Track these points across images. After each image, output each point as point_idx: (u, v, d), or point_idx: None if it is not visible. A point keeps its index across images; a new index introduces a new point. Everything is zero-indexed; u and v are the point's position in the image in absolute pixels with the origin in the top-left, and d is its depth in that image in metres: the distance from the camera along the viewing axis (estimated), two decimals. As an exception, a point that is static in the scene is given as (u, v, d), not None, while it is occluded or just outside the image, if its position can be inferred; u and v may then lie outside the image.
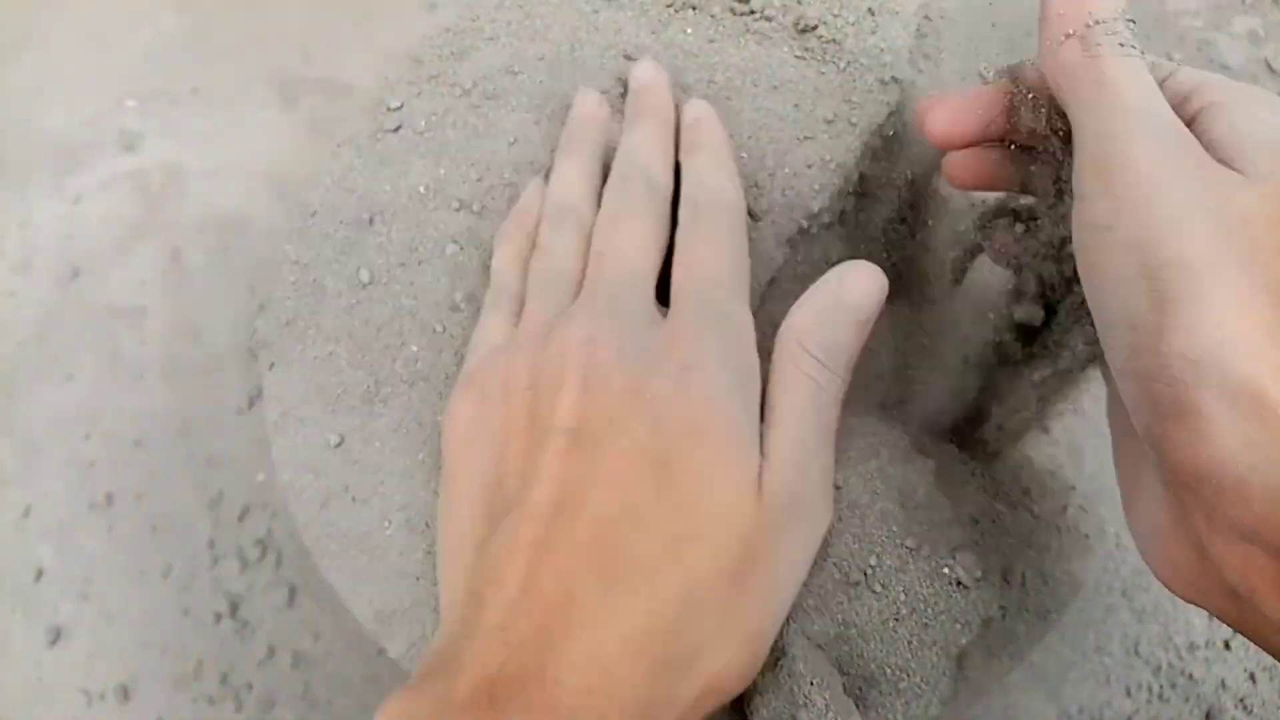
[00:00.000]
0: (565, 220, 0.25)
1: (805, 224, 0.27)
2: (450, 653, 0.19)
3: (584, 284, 0.23)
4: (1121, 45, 0.19)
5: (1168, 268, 0.17)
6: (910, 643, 0.23)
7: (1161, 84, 0.20)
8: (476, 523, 0.21)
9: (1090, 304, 0.19)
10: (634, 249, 0.23)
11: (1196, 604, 0.18)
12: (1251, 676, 0.33)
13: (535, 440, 0.20)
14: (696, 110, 0.26)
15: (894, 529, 0.23)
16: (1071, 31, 0.19)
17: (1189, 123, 0.19)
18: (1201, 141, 0.19)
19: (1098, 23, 0.19)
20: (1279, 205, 0.17)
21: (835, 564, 0.23)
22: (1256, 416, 0.15)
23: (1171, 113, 0.19)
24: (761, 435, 0.21)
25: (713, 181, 0.24)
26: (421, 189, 0.28)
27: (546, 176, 0.27)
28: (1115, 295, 0.18)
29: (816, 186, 0.26)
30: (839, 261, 0.29)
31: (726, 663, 0.19)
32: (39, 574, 0.38)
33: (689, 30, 0.28)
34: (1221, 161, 0.18)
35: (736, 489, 0.19)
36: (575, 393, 0.20)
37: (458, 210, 0.28)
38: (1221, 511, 0.15)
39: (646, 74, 0.26)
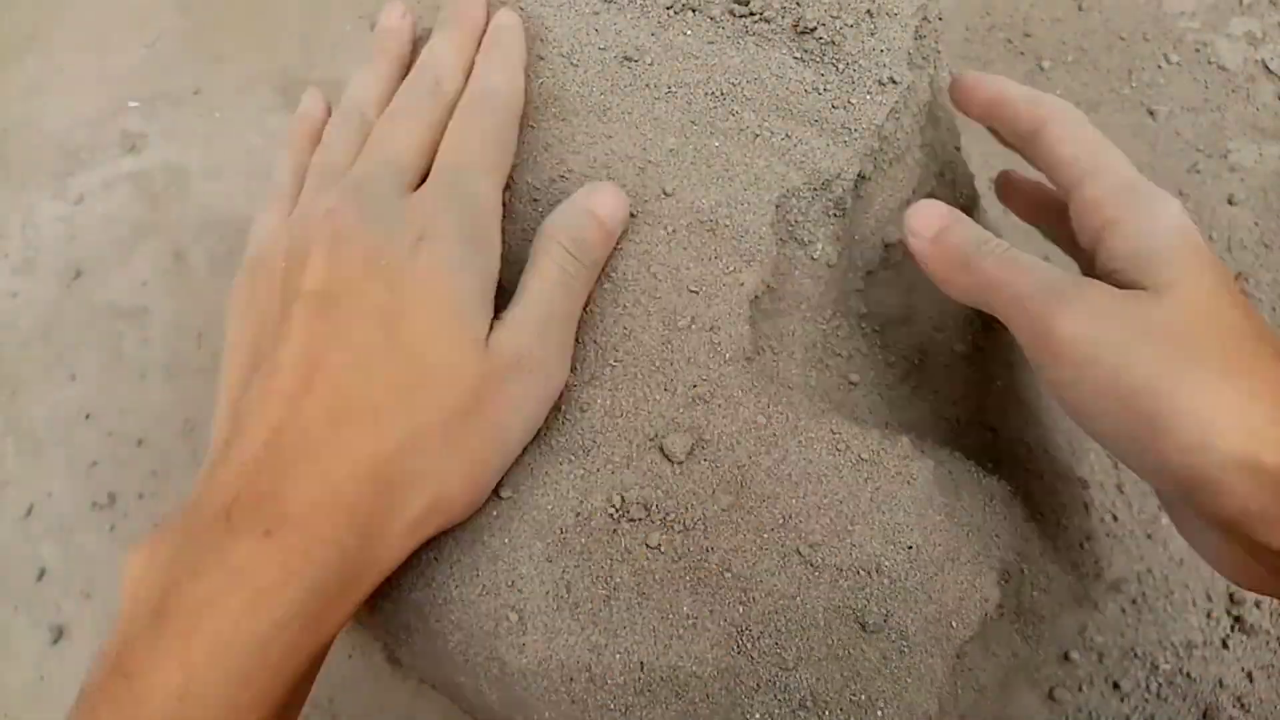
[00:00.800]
0: (350, 120, 0.27)
1: (798, 221, 0.27)
2: (194, 494, 0.21)
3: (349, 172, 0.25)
4: (986, 246, 0.24)
5: (1139, 395, 0.21)
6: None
7: (1070, 199, 0.25)
8: (236, 384, 0.24)
9: (1087, 433, 0.23)
10: (400, 143, 0.25)
11: (1260, 592, 0.23)
12: (1249, 675, 0.34)
13: (286, 305, 0.23)
14: (502, 19, 0.28)
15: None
16: (952, 260, 0.24)
17: (1098, 238, 0.24)
18: (1108, 262, 0.23)
19: (963, 244, 0.24)
20: (1185, 309, 0.22)
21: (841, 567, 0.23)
22: (1254, 476, 0.20)
23: (1060, 274, 0.23)
24: (512, 301, 0.24)
25: (494, 77, 0.26)
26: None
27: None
28: (1106, 426, 0.22)
29: (814, 188, 0.27)
30: (831, 264, 0.29)
31: (448, 487, 0.22)
32: (41, 573, 0.38)
33: (688, 32, 0.28)
34: (1131, 281, 0.23)
35: (461, 346, 0.22)
36: (319, 260, 0.23)
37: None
38: (1257, 541, 0.20)
39: None
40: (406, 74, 0.28)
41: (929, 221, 0.25)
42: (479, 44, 0.28)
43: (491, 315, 0.23)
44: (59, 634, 0.37)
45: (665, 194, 0.26)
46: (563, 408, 0.25)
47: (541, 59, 0.29)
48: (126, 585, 0.20)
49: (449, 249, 0.23)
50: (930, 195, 0.31)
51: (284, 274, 0.24)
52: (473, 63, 0.27)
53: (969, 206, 0.32)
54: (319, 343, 0.22)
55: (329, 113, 0.29)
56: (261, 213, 0.27)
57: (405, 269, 0.22)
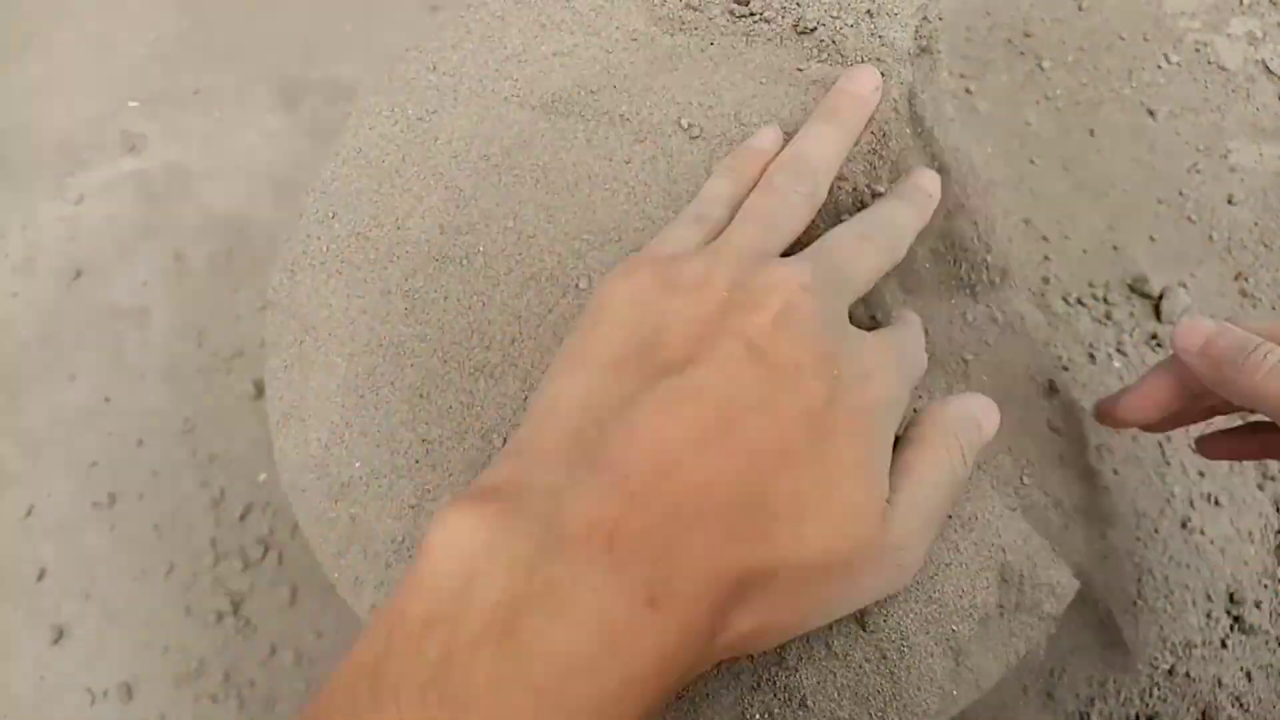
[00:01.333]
0: (803, 177, 0.25)
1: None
2: (544, 485, 0.18)
3: (816, 246, 0.24)
4: (1256, 353, 0.24)
5: None
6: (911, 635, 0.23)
7: None
8: (608, 372, 0.21)
9: None
10: (867, 268, 0.24)
11: None
12: (1248, 675, 0.34)
13: (714, 332, 0.20)
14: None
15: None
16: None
17: None
18: None
19: (1229, 351, 0.24)
20: None
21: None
22: None
23: None
24: (892, 481, 0.22)
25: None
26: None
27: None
28: None
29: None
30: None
31: (774, 627, 0.20)
32: (42, 573, 0.38)
33: (688, 33, 0.28)
34: None
35: (870, 499, 0.20)
36: (772, 318, 0.20)
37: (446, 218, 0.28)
38: None
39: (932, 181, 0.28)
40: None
41: (1193, 337, 0.25)
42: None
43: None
44: (59, 634, 0.37)
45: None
46: None
47: (554, 54, 0.29)
48: (450, 557, 0.17)
49: (889, 404, 0.22)
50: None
51: (724, 307, 0.21)
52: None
53: (965, 207, 0.32)
54: (741, 393, 0.19)
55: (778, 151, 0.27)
56: (681, 225, 0.25)
57: (849, 392, 0.20)
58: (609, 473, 0.18)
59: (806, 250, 0.24)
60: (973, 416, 0.24)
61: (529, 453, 0.20)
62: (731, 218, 0.25)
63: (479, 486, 0.19)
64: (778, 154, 0.26)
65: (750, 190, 0.26)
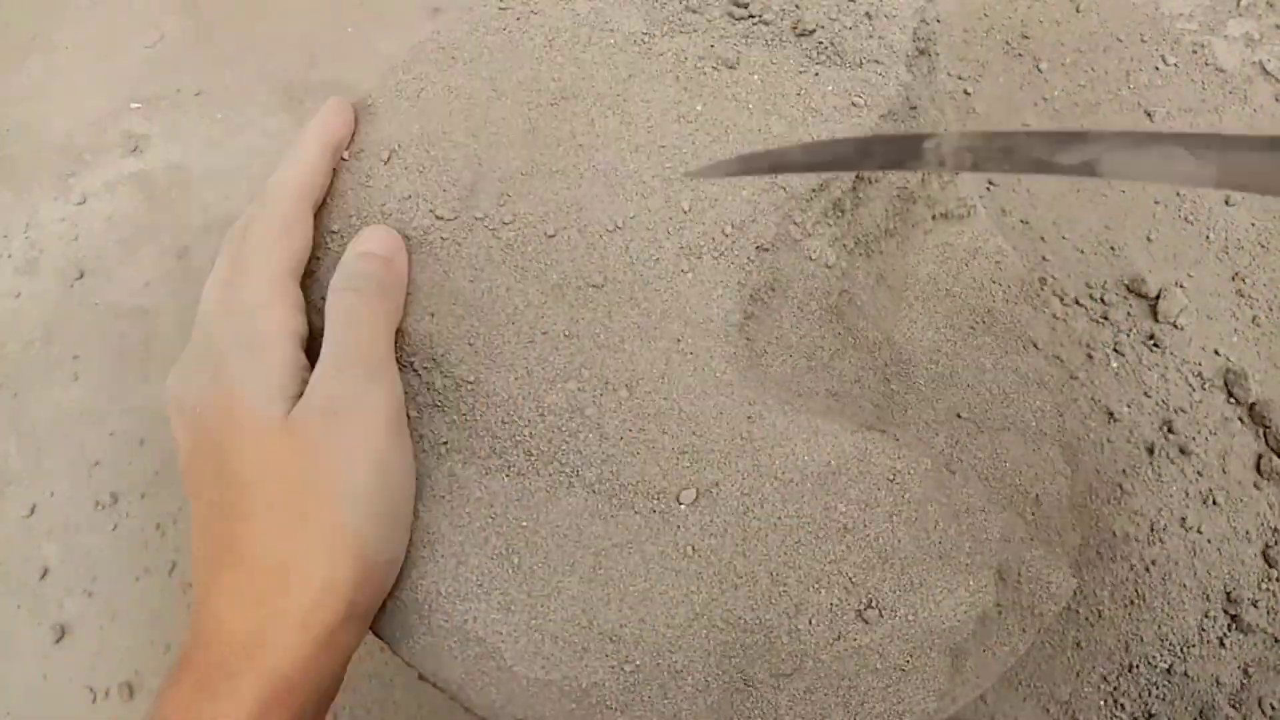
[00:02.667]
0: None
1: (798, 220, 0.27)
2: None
3: None
4: None
5: None
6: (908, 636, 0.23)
7: None
8: None
9: None
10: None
11: None
12: (1245, 671, 0.34)
13: None
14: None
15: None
16: None
17: None
18: None
19: None
20: None
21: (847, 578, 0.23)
22: None
23: None
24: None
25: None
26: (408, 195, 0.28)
27: None
28: None
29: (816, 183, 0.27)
30: (830, 266, 0.29)
31: (327, 564, 0.22)
32: (44, 572, 0.38)
33: (688, 34, 0.29)
34: None
35: (257, 435, 0.23)
36: None
37: (438, 220, 0.28)
38: None
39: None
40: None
41: None
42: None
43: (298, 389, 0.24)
44: (61, 632, 0.37)
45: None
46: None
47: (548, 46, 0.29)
48: None
49: (236, 369, 0.24)
50: (927, 196, 0.31)
51: None
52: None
53: (962, 208, 0.32)
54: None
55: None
56: None
57: (211, 405, 0.24)
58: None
59: None
60: (351, 259, 0.26)
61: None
62: None
63: None
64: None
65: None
